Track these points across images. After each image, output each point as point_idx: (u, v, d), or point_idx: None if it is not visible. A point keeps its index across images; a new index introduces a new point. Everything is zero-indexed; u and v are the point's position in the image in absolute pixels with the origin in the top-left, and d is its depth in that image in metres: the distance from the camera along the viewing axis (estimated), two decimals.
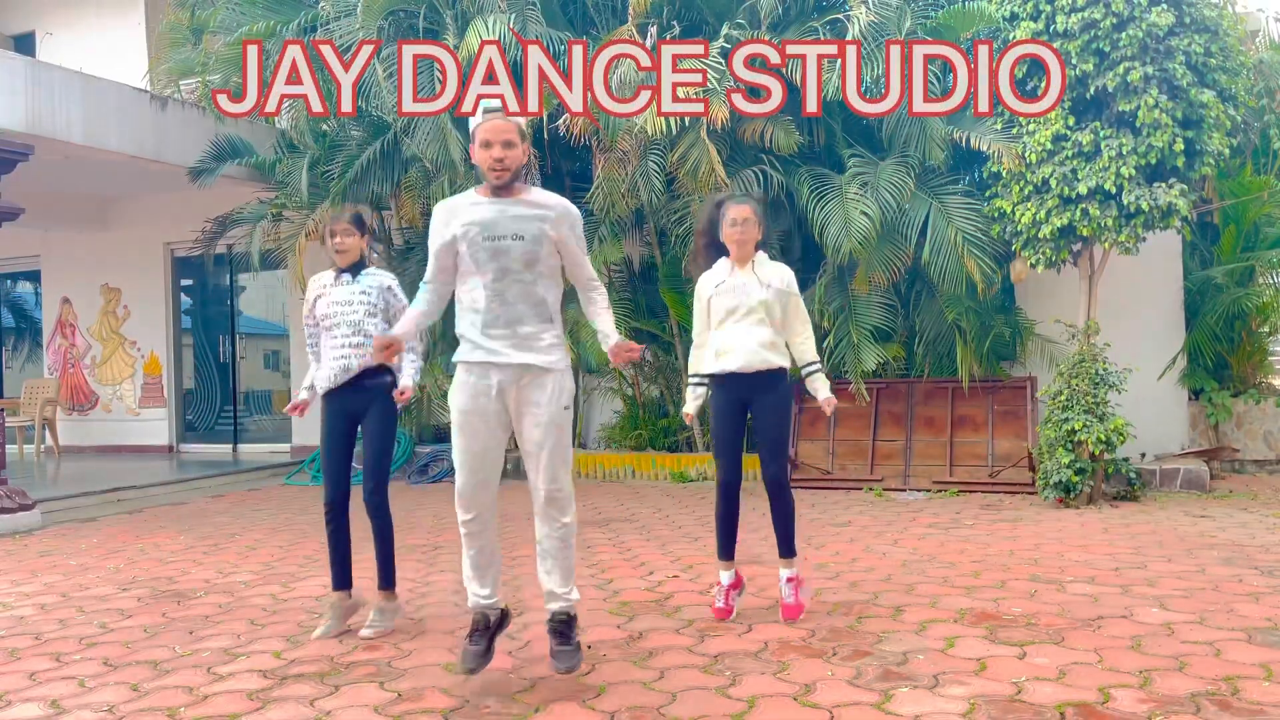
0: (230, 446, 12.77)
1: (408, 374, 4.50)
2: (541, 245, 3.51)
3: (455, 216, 3.54)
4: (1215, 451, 8.87)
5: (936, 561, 5.55)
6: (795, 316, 4.47)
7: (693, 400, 4.56)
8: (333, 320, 4.46)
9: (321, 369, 4.51)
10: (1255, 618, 4.22)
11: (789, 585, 4.48)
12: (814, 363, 4.56)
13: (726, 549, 4.51)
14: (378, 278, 4.59)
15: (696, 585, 5.13)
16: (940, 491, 8.21)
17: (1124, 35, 7.04)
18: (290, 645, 4.28)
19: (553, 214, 3.54)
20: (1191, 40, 7.11)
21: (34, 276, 14.31)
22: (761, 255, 4.50)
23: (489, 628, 3.64)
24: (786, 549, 4.51)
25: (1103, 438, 7.14)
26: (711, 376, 4.47)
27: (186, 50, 10.77)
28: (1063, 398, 7.42)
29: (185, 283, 13.32)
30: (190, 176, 10.19)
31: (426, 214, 9.73)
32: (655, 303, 9.73)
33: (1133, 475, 7.65)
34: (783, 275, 4.50)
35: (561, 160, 9.75)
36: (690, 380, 4.62)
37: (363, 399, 4.45)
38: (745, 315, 4.35)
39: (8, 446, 9.64)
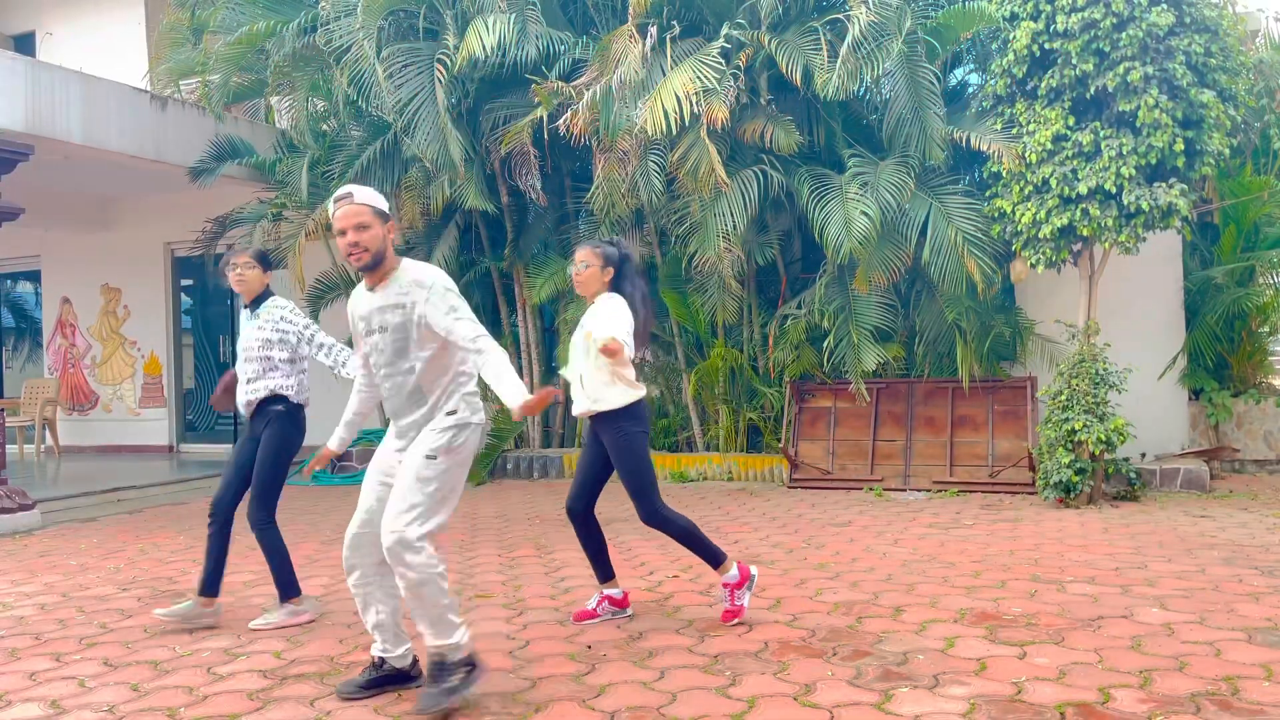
0: (230, 446, 12.72)
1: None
2: (408, 332, 3.43)
3: (351, 309, 3.62)
4: (1215, 451, 8.87)
5: (936, 561, 5.55)
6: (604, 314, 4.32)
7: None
8: (245, 356, 4.68)
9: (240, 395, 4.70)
10: (1255, 618, 4.22)
11: (724, 589, 4.41)
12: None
13: (600, 571, 4.53)
14: (274, 308, 4.73)
15: (696, 585, 5.13)
16: (940, 491, 8.21)
17: (1124, 35, 7.03)
18: (290, 645, 4.28)
19: (409, 296, 3.41)
20: (1191, 40, 7.11)
21: (34, 276, 14.32)
22: (604, 296, 4.35)
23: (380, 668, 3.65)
24: (711, 560, 4.38)
25: (1103, 438, 7.13)
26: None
27: (186, 50, 10.78)
28: (1063, 398, 7.42)
29: (185, 283, 13.33)
30: (190, 176, 10.20)
31: (427, 214, 9.76)
32: (655, 303, 9.72)
33: (1133, 475, 7.65)
34: (601, 310, 4.31)
35: (561, 160, 9.75)
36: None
37: (260, 420, 4.67)
38: (581, 351, 4.31)
39: (8, 446, 9.64)
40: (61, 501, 8.61)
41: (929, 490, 8.29)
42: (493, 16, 8.42)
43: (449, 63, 8.49)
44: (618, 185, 8.47)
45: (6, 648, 4.38)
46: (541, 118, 8.51)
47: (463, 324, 3.39)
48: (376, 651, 3.64)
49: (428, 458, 3.40)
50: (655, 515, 4.27)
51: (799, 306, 8.94)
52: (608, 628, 4.36)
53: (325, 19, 9.06)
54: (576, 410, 4.35)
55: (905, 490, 8.37)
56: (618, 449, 4.27)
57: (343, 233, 3.40)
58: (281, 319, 4.68)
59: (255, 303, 4.73)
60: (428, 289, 3.40)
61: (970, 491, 8.17)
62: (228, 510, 4.69)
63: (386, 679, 3.63)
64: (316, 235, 9.96)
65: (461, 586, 5.29)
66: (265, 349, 4.62)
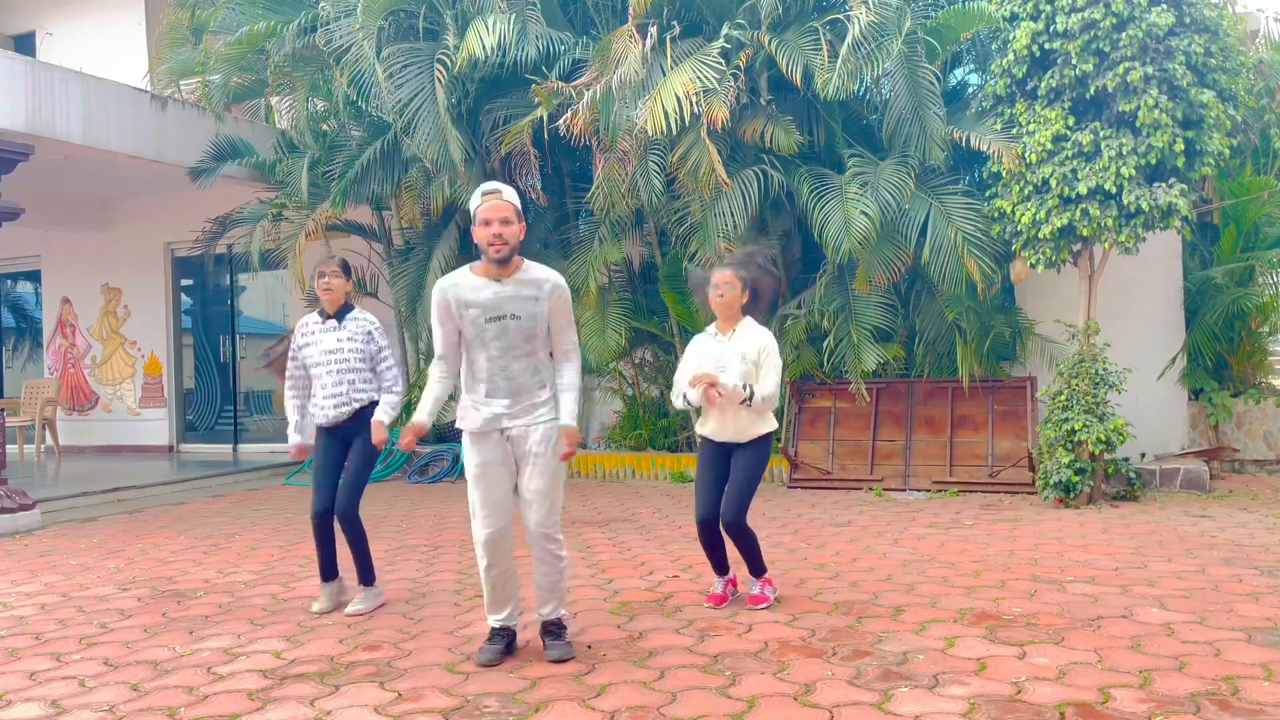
0: (230, 446, 12.77)
1: (385, 410, 4.86)
2: (538, 321, 3.84)
3: (456, 296, 3.82)
4: (1215, 451, 8.87)
5: (936, 561, 5.55)
6: (767, 367, 4.56)
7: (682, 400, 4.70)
8: (326, 367, 4.85)
9: (319, 409, 4.88)
10: (1255, 618, 4.22)
11: (759, 581, 4.77)
12: (753, 390, 4.54)
13: (718, 565, 4.78)
14: (361, 323, 4.94)
15: (696, 585, 5.13)
16: (940, 491, 8.21)
17: (1124, 35, 7.03)
18: (290, 645, 4.28)
19: (546, 290, 3.84)
20: (1191, 40, 7.11)
21: (34, 276, 14.31)
22: (747, 321, 4.63)
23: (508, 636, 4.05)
24: (756, 569, 4.75)
25: (1103, 437, 7.14)
26: (702, 439, 4.73)
27: (186, 50, 10.78)
28: (1063, 398, 7.42)
29: (185, 283, 13.33)
30: (190, 176, 10.20)
31: (427, 214, 9.76)
32: (655, 302, 9.73)
33: (1133, 475, 7.65)
34: (759, 341, 4.58)
35: (561, 160, 9.76)
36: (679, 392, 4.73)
37: (356, 425, 4.87)
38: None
39: (8, 446, 9.64)
40: (61, 501, 8.61)
41: (929, 490, 8.29)
42: (493, 16, 8.41)
43: (449, 63, 8.49)
44: (618, 185, 8.47)
45: (6, 648, 4.38)
46: (541, 118, 8.51)
47: (572, 330, 3.96)
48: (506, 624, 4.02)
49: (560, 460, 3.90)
50: (744, 522, 4.60)
51: (799, 306, 8.93)
52: (608, 628, 4.37)
53: (325, 19, 9.07)
54: (730, 439, 4.61)
55: (905, 490, 8.37)
56: (759, 463, 4.63)
57: (487, 223, 3.71)
58: (369, 334, 4.93)
59: (340, 313, 4.91)
60: (562, 291, 3.88)
61: (970, 491, 8.17)
62: (332, 516, 4.91)
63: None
64: (316, 235, 9.96)
65: (461, 586, 5.29)
66: (361, 360, 4.87)
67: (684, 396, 4.62)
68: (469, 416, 3.91)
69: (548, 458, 3.87)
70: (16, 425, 12.23)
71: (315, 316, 4.97)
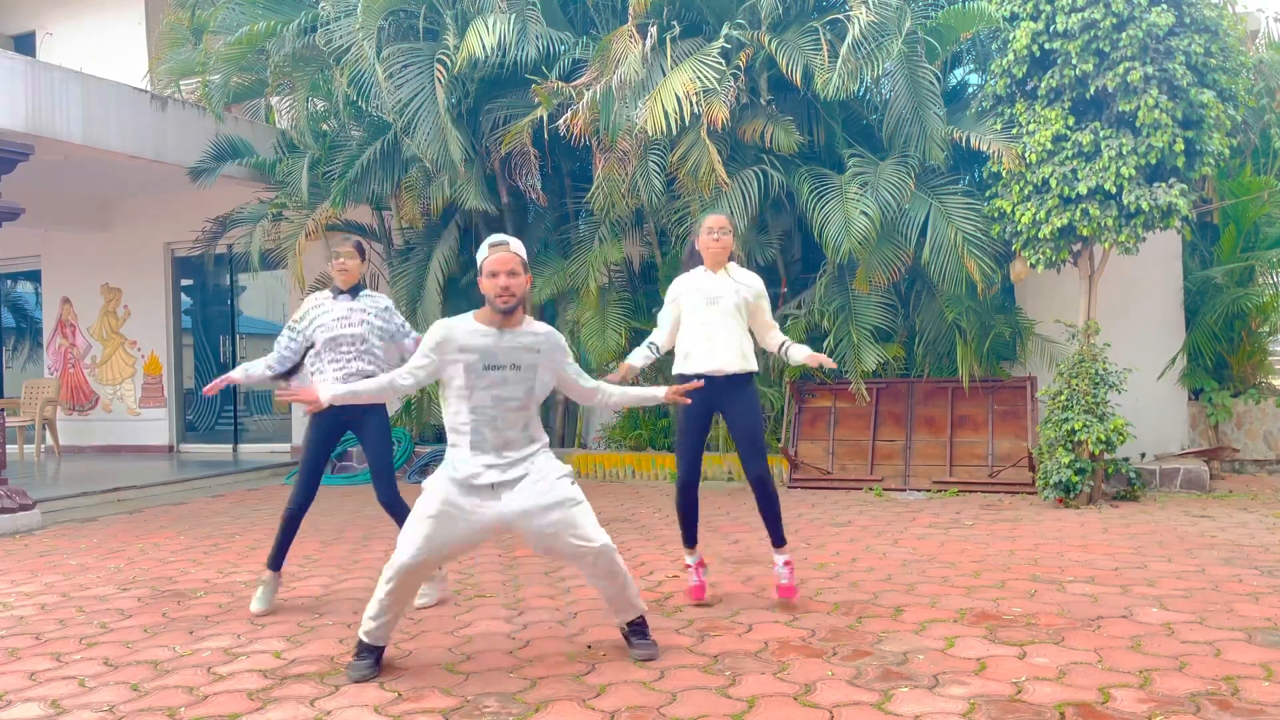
0: (230, 446, 12.78)
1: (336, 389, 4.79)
2: (536, 373, 3.84)
3: (455, 340, 3.77)
4: (1215, 451, 8.87)
5: (936, 561, 5.55)
6: (766, 319, 4.72)
7: (639, 358, 4.73)
8: (338, 339, 4.77)
9: (327, 383, 4.72)
10: (1255, 618, 4.22)
11: (786, 568, 4.65)
12: (785, 340, 4.78)
13: (689, 538, 4.76)
14: (375, 299, 4.93)
15: None
16: (940, 491, 8.21)
17: (1124, 35, 7.03)
18: (290, 645, 4.28)
19: (542, 344, 3.86)
20: (1191, 40, 7.11)
21: (34, 276, 14.32)
22: (733, 264, 4.73)
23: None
24: (779, 538, 4.66)
25: (1103, 437, 7.14)
26: (681, 378, 4.60)
27: (186, 50, 10.78)
28: (1063, 398, 7.42)
29: (185, 283, 13.33)
30: (190, 176, 10.20)
31: (427, 214, 9.76)
32: (655, 303, 9.68)
33: (1133, 475, 7.65)
34: (754, 282, 4.71)
35: (561, 160, 9.76)
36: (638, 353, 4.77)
37: (360, 409, 4.77)
38: (721, 317, 4.55)
39: (8, 446, 9.64)
40: (61, 501, 8.61)
41: (929, 490, 8.29)
42: (493, 16, 8.42)
43: (449, 63, 8.49)
44: (618, 185, 8.47)
45: (6, 648, 4.38)
46: (541, 118, 8.51)
47: (575, 367, 4.03)
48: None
49: (560, 478, 3.82)
50: (768, 471, 4.62)
51: (799, 306, 8.94)
52: (608, 628, 4.36)
53: (325, 19, 9.07)
54: (719, 367, 4.52)
55: (905, 490, 8.37)
56: (756, 403, 4.66)
57: (494, 275, 3.74)
58: (387, 309, 4.94)
59: (354, 290, 4.89)
60: (561, 344, 3.94)
61: (970, 491, 8.17)
62: (306, 509, 4.99)
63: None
64: (316, 235, 9.96)
65: (461, 586, 5.29)
66: (375, 335, 4.84)
67: (651, 345, 4.71)
68: (452, 468, 3.78)
69: (550, 492, 3.75)
70: (16, 425, 12.23)
71: (327, 293, 4.92)
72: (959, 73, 9.53)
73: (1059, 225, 7.35)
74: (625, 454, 9.78)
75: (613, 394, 4.13)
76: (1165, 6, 7.07)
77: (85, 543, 7.03)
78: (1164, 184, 7.19)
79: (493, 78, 9.14)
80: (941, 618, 4.36)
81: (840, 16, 7.86)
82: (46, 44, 13.97)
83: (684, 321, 4.64)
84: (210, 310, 13.32)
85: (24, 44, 14.11)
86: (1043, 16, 7.34)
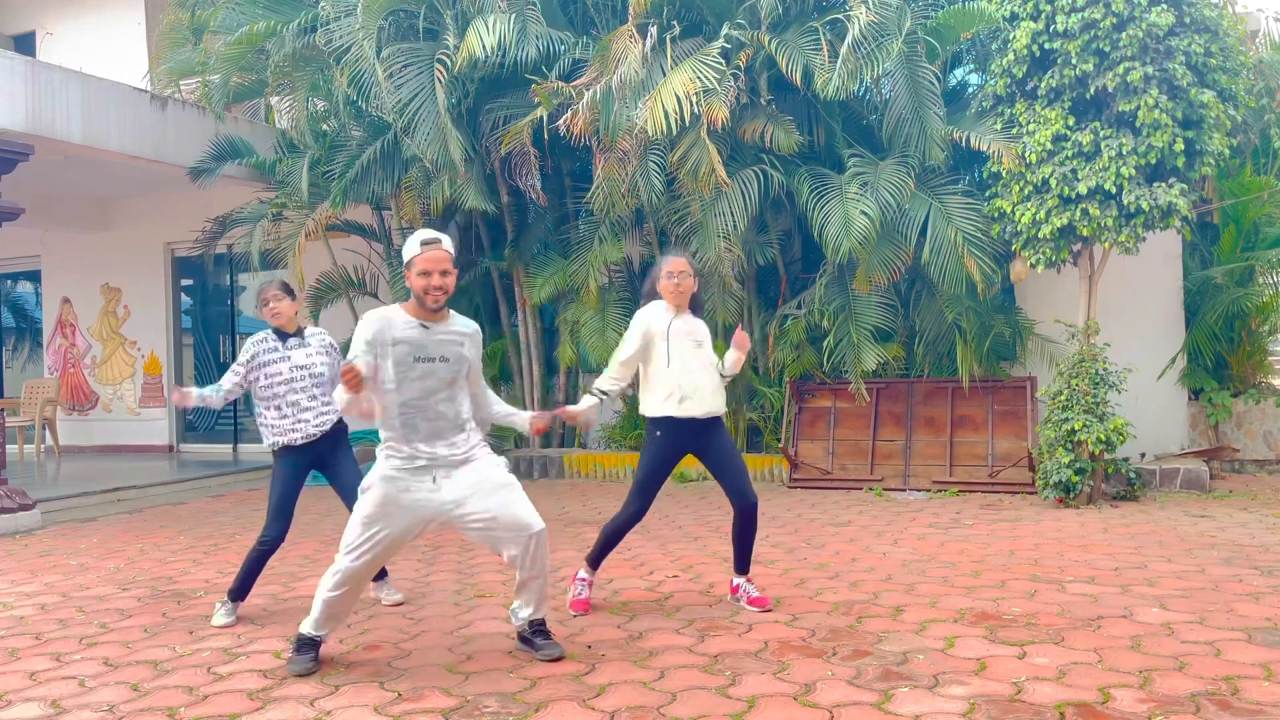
0: (230, 446, 12.77)
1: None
2: (462, 365, 3.88)
3: (392, 332, 3.76)
4: (1215, 451, 8.87)
5: (936, 561, 5.55)
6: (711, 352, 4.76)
7: (589, 405, 4.65)
8: (296, 384, 4.77)
9: (295, 428, 4.74)
10: (1255, 618, 4.22)
11: (751, 584, 4.72)
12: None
13: (599, 560, 4.81)
14: (321, 337, 4.95)
15: (696, 585, 5.13)
16: (940, 491, 8.21)
17: (1124, 35, 7.03)
18: (290, 645, 4.27)
19: (465, 336, 3.90)
20: (1191, 40, 7.11)
21: (34, 276, 14.31)
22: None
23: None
24: (746, 565, 4.73)
25: (1102, 437, 7.13)
26: (669, 420, 4.56)
27: (186, 50, 10.77)
28: (1063, 398, 7.42)
29: (185, 283, 13.33)
30: (190, 176, 10.19)
31: (427, 214, 9.75)
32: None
33: (1133, 475, 7.65)
34: (705, 328, 4.76)
35: (561, 160, 9.75)
36: (595, 391, 4.70)
37: (328, 443, 4.82)
38: (706, 358, 4.61)
39: (8, 446, 9.64)
40: (61, 501, 8.61)
41: (929, 490, 8.29)
42: (493, 16, 8.41)
43: (449, 63, 8.49)
44: (618, 185, 8.47)
45: (6, 648, 4.38)
46: (541, 118, 8.50)
47: (479, 368, 4.04)
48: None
49: (499, 467, 3.91)
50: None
51: (799, 306, 8.94)
52: (608, 628, 4.37)
53: (325, 19, 9.06)
54: (709, 410, 4.58)
55: (905, 490, 8.37)
56: (731, 441, 4.76)
57: (426, 274, 3.73)
58: (332, 346, 4.97)
59: (299, 331, 4.87)
60: (476, 336, 3.97)
61: (970, 491, 8.17)
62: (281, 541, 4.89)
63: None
64: (316, 235, 9.96)
65: (461, 586, 5.29)
66: (332, 372, 4.84)
67: (610, 380, 4.66)
68: (390, 459, 3.78)
69: (489, 476, 3.83)
70: (16, 425, 12.23)
71: (272, 335, 4.85)
72: (959, 73, 9.53)
73: (1059, 225, 7.35)
74: (625, 454, 9.78)
75: (493, 408, 4.18)
76: (1165, 6, 7.07)
77: (85, 543, 7.03)
78: (1164, 184, 7.19)
79: (493, 78, 9.14)
80: (941, 618, 4.36)
81: (840, 16, 7.86)
82: (46, 44, 13.97)
83: (668, 361, 4.54)
84: (210, 310, 13.32)
85: (24, 44, 14.11)
86: (1043, 16, 7.34)
